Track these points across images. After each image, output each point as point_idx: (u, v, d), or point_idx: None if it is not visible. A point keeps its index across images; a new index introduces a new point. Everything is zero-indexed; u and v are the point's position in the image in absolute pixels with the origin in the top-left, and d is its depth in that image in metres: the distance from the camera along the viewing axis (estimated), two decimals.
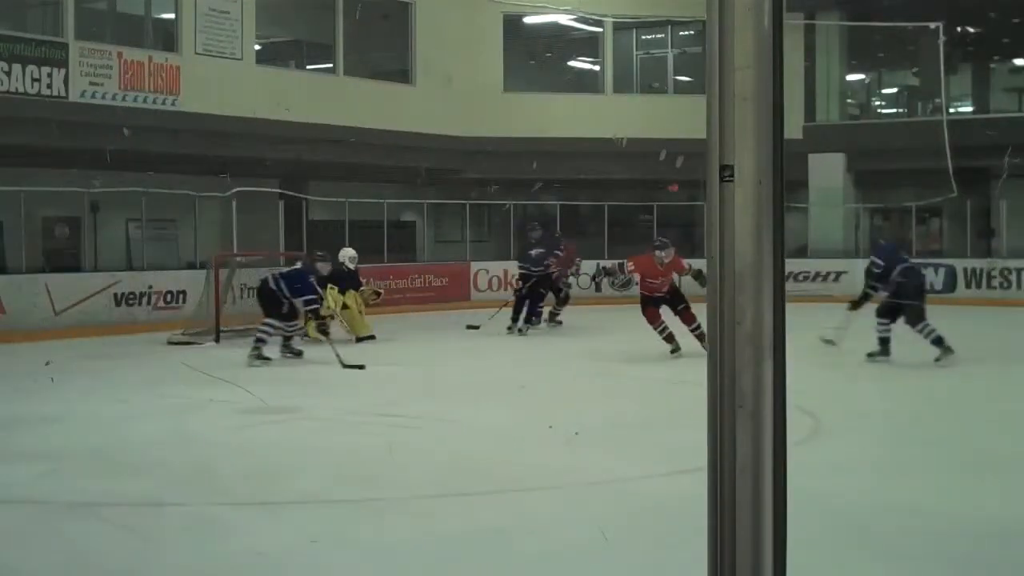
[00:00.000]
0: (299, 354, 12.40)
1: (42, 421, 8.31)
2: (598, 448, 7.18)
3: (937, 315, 18.32)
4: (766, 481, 1.99)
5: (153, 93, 16.85)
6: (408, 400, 9.41)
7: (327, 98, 19.24)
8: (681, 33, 23.57)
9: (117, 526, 5.43)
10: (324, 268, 13.44)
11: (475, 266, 20.32)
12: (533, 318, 15.22)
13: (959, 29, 22.16)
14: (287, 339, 12.46)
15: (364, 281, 14.63)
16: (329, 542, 5.07)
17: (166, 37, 17.83)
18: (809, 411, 7.89)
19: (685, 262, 12.60)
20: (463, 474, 6.54)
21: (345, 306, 13.91)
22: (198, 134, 17.16)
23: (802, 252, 21.35)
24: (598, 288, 20.46)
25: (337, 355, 11.30)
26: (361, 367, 11.16)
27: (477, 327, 15.15)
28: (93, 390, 10.06)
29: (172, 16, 17.70)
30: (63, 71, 15.75)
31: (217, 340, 13.65)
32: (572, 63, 25.48)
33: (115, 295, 15.35)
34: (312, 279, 12.41)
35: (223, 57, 17.86)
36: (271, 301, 12.15)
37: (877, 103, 25.99)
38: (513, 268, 20.36)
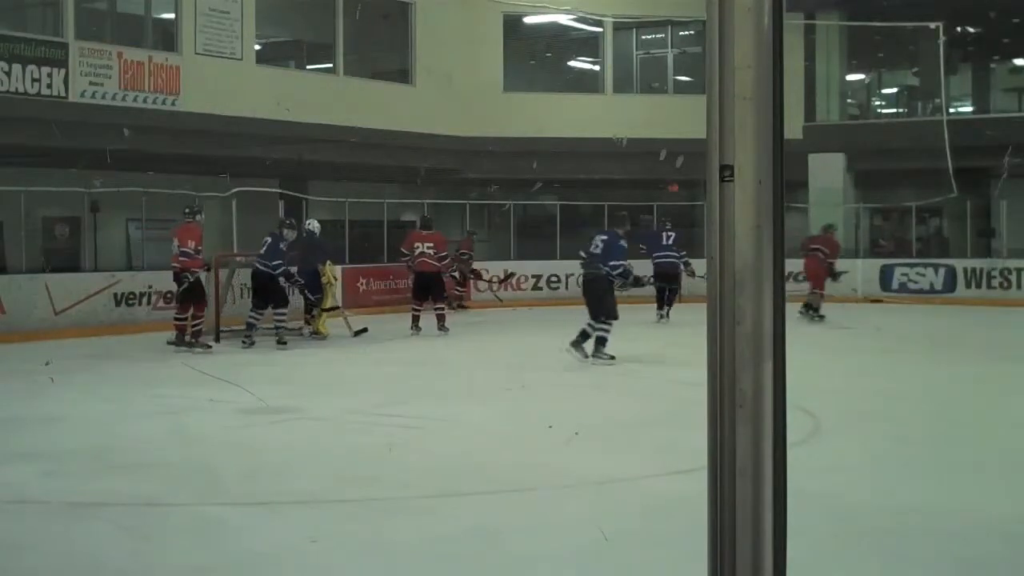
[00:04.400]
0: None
1: (42, 421, 8.31)
2: (598, 448, 7.18)
3: (937, 315, 18.44)
4: (766, 481, 1.99)
5: (153, 93, 16.86)
6: (408, 400, 9.41)
7: (327, 98, 19.24)
8: (681, 33, 23.59)
9: (117, 526, 5.43)
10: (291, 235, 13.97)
11: (475, 266, 20.32)
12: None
13: (959, 29, 22.18)
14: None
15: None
16: (329, 542, 5.07)
17: (166, 37, 17.84)
18: (809, 411, 7.89)
19: None
20: (463, 474, 6.54)
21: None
22: (198, 134, 17.17)
23: None
24: None
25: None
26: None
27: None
28: (93, 390, 10.06)
29: (172, 16, 17.71)
30: (63, 71, 15.76)
31: (217, 340, 13.66)
32: (572, 63, 25.50)
33: (115, 295, 15.34)
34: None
35: (223, 57, 17.87)
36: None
37: (877, 103, 26.00)
38: (513, 268, 20.41)
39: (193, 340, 12.96)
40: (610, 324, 11.52)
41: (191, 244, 12.81)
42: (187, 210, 13.39)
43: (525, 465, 6.70)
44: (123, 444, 7.49)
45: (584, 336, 11.49)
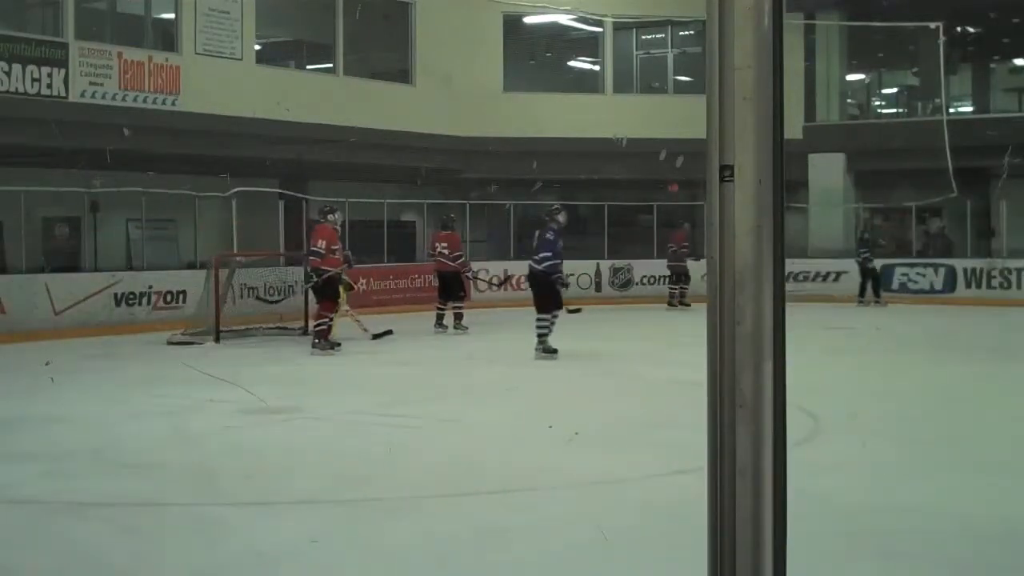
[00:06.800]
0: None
1: (42, 421, 8.31)
2: (598, 448, 7.18)
3: (937, 315, 18.44)
4: (766, 481, 1.99)
5: (153, 93, 16.86)
6: (408, 400, 9.41)
7: (327, 98, 19.24)
8: (681, 33, 23.59)
9: (117, 526, 5.43)
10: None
11: (475, 266, 20.30)
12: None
13: (959, 29, 22.17)
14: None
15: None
16: (329, 542, 5.07)
17: (166, 37, 17.84)
18: (809, 411, 7.89)
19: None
20: (463, 474, 6.54)
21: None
22: (198, 134, 17.16)
23: (802, 252, 21.33)
24: (598, 288, 20.50)
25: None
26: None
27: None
28: (93, 390, 10.06)
29: (172, 16, 17.71)
30: (63, 71, 15.75)
31: (217, 340, 13.66)
32: (572, 63, 25.50)
33: (115, 295, 15.34)
34: None
35: (223, 57, 17.86)
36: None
37: (877, 103, 26.00)
38: (513, 268, 20.41)
39: (318, 340, 12.80)
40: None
41: (321, 243, 12.83)
42: (320, 211, 13.49)
43: (525, 465, 6.70)
44: (123, 444, 7.50)
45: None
